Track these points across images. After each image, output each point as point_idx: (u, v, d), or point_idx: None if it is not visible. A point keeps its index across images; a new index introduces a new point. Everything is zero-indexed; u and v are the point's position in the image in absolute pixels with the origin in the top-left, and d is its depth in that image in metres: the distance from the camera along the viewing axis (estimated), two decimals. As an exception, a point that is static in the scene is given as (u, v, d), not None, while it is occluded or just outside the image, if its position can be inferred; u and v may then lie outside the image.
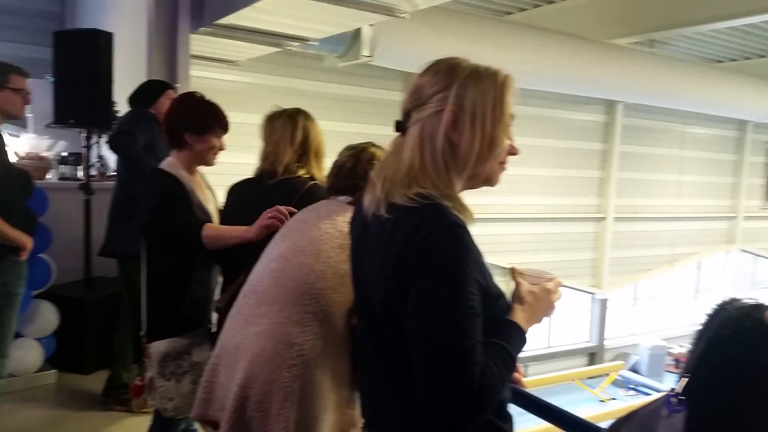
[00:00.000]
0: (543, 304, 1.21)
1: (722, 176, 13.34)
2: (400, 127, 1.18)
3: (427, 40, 5.46)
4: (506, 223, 9.19)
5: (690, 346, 1.08)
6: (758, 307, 0.97)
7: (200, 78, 5.47)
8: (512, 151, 1.21)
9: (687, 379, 1.02)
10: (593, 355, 11.15)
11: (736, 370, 0.95)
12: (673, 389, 1.04)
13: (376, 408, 1.23)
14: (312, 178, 2.10)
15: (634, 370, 11.00)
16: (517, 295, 1.20)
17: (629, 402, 8.20)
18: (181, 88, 3.80)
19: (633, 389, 9.95)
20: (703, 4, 5.88)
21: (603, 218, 10.92)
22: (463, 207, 1.11)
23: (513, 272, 1.25)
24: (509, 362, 1.08)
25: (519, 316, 1.16)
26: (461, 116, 1.12)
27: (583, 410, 8.30)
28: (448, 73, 1.16)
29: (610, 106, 10.33)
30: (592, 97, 8.91)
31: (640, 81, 6.62)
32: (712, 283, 14.25)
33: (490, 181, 1.20)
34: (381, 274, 1.11)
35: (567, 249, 10.52)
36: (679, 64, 6.94)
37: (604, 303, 11.38)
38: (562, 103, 9.64)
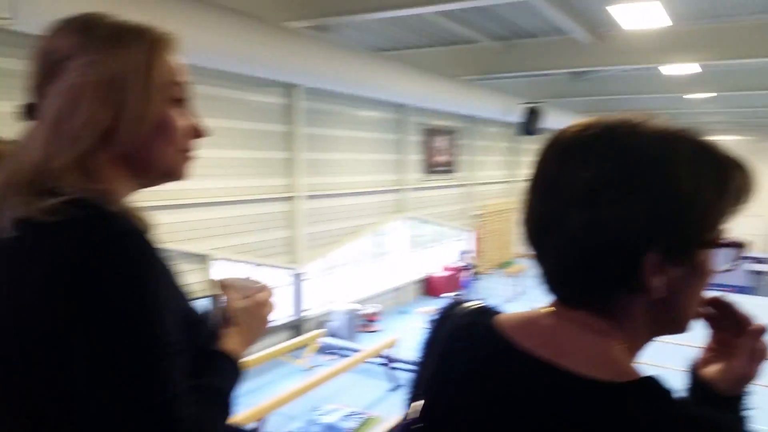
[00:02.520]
0: (257, 321, 1.05)
1: (389, 154, 15.16)
2: (29, 110, 0.89)
3: (84, 2, 4.84)
4: (197, 209, 8.90)
5: (417, 361, 0.97)
6: (484, 312, 0.89)
7: None
8: (197, 133, 1.00)
9: (423, 402, 0.87)
10: (297, 328, 11.70)
11: (481, 386, 0.80)
12: (406, 415, 0.90)
13: None
14: None
15: (333, 335, 11.87)
16: (227, 315, 1.02)
17: (332, 366, 8.81)
18: None
19: (333, 353, 10.73)
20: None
21: (294, 197, 11.40)
22: (134, 211, 0.87)
23: (221, 286, 1.05)
24: (224, 407, 0.92)
25: (232, 341, 0.99)
26: (104, 89, 0.87)
27: (291, 382, 8.64)
28: (82, 33, 0.90)
29: (290, 89, 10.75)
30: (272, 79, 9.12)
31: (313, 66, 6.97)
32: (388, 248, 16.21)
33: (172, 173, 0.98)
34: (7, 323, 0.82)
35: (262, 229, 10.73)
36: (349, 51, 7.55)
37: (301, 277, 11.98)
38: (244, 85, 9.68)
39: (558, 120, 15.48)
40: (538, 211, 0.79)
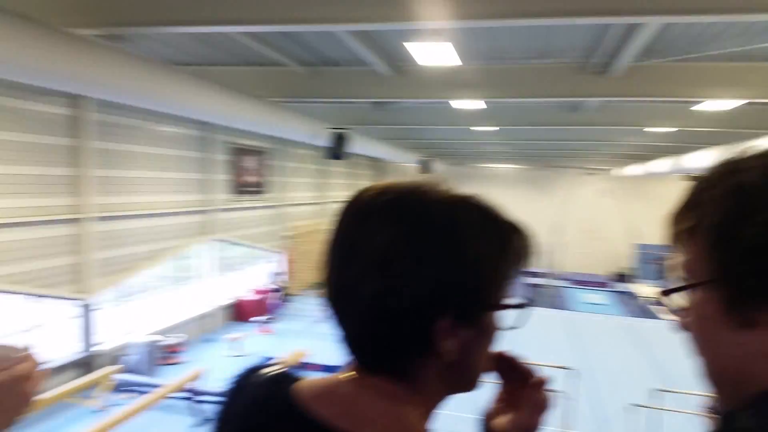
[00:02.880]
0: (14, 399, 0.85)
1: (194, 173, 14.51)
2: None
3: None
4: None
5: None
6: (282, 380, 0.85)
7: None
8: None
9: None
10: (87, 365, 10.52)
11: None
12: None
13: None
14: None
15: (130, 370, 10.90)
16: None
17: (129, 405, 8.07)
18: None
19: (130, 390, 9.84)
20: (167, 6, 6.14)
21: (82, 219, 10.33)
22: None
23: None
24: None
25: None
26: None
27: (80, 426, 7.73)
28: None
29: (77, 99, 9.80)
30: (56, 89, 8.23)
31: (102, 76, 6.40)
32: (193, 272, 15.42)
33: None
34: None
35: (42, 256, 9.52)
36: (144, 63, 7.08)
37: (91, 308, 10.84)
38: (19, 92, 8.61)
39: (363, 146, 16.17)
40: (336, 276, 0.80)
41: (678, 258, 0.73)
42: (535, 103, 11.66)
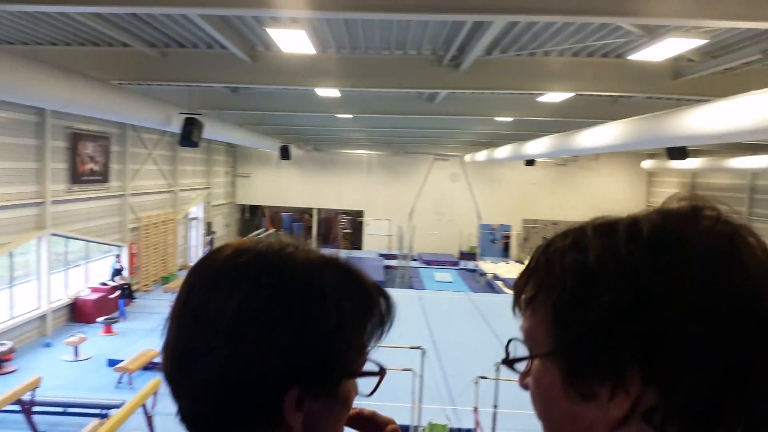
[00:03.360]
0: None
1: (26, 162, 13.05)
2: None
3: None
4: None
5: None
6: None
7: None
8: None
9: None
10: None
11: None
12: None
13: None
14: None
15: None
16: None
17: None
18: None
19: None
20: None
21: None
22: None
23: None
24: None
25: None
26: None
27: None
28: None
29: None
30: None
31: None
32: (25, 271, 13.94)
33: None
34: None
35: None
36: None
37: None
38: None
39: (219, 131, 15.54)
40: (181, 342, 0.73)
41: (522, 322, 0.74)
42: (392, 92, 11.95)
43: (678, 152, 15.01)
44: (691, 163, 20.22)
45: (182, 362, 0.73)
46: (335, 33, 8.18)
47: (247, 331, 0.69)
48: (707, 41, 7.17)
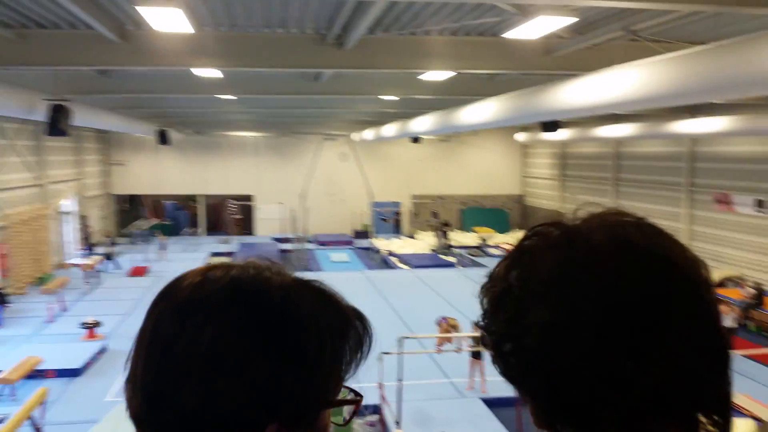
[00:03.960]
0: None
1: None
2: None
3: None
4: None
5: None
6: None
7: None
8: None
9: None
10: None
11: None
12: None
13: None
14: None
15: None
16: None
17: None
18: None
19: None
20: None
21: None
22: None
23: None
24: None
25: None
26: None
27: None
28: None
29: None
30: None
31: None
32: None
33: None
34: None
35: None
36: None
37: None
38: None
39: (90, 118, 14.45)
40: (149, 379, 0.68)
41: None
42: (276, 71, 11.67)
43: (551, 125, 16.03)
44: (562, 134, 21.59)
45: (152, 400, 0.68)
46: (211, 8, 7.84)
47: (222, 369, 0.66)
48: (577, 19, 7.62)
